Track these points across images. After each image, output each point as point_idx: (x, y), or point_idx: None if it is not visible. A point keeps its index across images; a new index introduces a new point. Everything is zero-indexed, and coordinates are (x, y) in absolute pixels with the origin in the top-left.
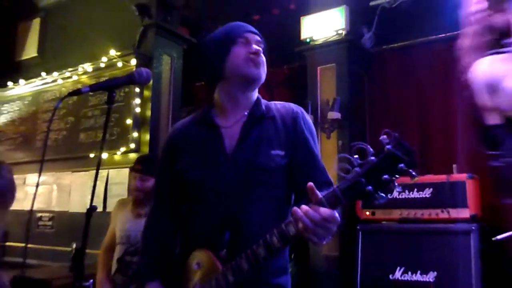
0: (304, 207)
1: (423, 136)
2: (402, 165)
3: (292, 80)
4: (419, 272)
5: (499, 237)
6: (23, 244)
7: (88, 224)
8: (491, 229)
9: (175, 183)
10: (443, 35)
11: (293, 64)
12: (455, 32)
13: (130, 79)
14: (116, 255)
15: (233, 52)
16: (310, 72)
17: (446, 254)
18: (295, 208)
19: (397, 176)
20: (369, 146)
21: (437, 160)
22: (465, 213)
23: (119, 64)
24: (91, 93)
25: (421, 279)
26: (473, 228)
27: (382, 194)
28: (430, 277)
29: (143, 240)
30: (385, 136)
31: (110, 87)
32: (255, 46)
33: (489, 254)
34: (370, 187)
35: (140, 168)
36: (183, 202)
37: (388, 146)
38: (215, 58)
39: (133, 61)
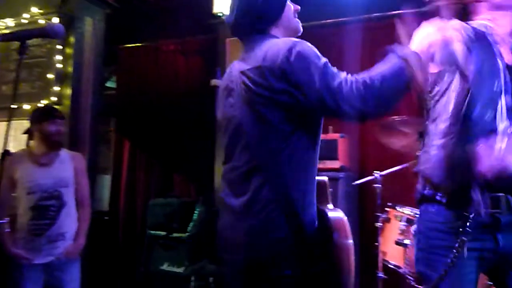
0: None
1: None
2: None
3: (205, 49)
4: None
5: (357, 182)
6: None
7: (2, 165)
8: (354, 176)
9: None
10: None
11: (206, 35)
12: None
13: (42, 32)
14: (27, 205)
15: (287, 5)
16: (220, 43)
17: None
18: None
19: None
20: None
21: None
22: (336, 164)
23: (41, 22)
24: (13, 48)
25: None
26: (341, 176)
27: None
28: None
29: None
30: None
31: (22, 38)
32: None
33: (352, 195)
34: None
35: (60, 114)
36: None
37: None
38: (279, 4)
39: (55, 20)
